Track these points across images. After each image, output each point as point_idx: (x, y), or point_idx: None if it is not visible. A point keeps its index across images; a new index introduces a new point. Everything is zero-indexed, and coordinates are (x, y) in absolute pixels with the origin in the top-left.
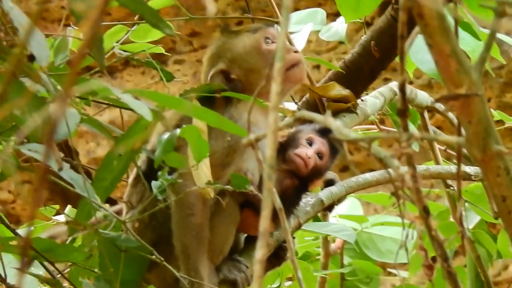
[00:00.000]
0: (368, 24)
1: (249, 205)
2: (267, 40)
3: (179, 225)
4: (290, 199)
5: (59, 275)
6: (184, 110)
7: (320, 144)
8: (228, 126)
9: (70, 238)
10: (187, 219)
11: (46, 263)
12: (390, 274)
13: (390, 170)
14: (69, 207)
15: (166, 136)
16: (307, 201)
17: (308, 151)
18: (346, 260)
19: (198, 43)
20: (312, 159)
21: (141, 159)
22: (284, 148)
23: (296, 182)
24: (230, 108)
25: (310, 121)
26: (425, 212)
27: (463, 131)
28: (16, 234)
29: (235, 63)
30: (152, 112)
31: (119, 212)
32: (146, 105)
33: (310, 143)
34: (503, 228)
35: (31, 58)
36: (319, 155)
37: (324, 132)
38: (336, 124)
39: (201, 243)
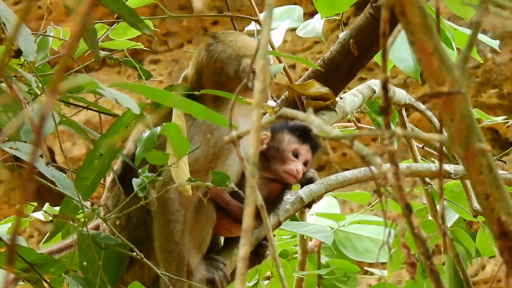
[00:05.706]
0: (344, 23)
1: (221, 208)
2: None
3: (162, 231)
4: (275, 199)
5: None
6: (170, 103)
7: (305, 153)
8: (213, 117)
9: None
10: (170, 225)
11: None
12: (366, 273)
13: (372, 167)
14: (47, 204)
15: (146, 134)
16: (287, 199)
17: (297, 167)
18: (324, 258)
19: (173, 43)
20: (300, 172)
21: (116, 164)
22: (266, 156)
23: (282, 185)
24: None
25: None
26: (408, 210)
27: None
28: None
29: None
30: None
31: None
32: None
33: (296, 154)
34: (482, 226)
35: (18, 53)
36: (305, 163)
37: (303, 133)
38: (318, 122)
39: (183, 249)
